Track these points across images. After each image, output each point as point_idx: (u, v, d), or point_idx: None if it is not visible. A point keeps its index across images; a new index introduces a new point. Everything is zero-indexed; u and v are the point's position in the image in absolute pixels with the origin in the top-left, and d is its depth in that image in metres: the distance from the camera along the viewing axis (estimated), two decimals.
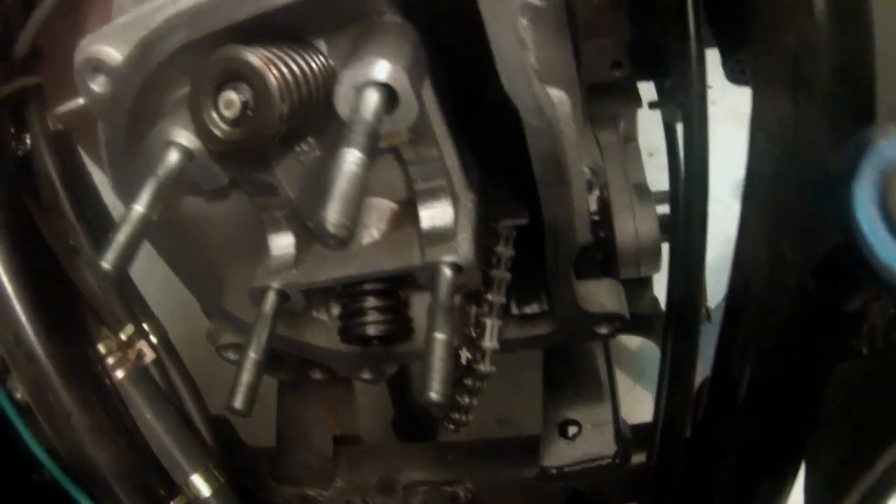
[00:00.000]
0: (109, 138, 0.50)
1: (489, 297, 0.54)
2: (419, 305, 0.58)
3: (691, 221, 0.59)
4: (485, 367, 0.55)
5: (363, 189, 0.37)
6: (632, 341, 1.21)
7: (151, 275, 0.79)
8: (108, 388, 0.69)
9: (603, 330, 0.58)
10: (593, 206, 0.71)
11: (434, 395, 0.43)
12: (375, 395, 1.07)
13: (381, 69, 0.41)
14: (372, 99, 0.41)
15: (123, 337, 0.72)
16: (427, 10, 0.45)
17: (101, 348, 0.71)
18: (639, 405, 0.82)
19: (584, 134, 0.61)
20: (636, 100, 0.78)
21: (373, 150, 0.39)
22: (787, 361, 0.52)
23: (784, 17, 0.48)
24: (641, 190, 0.76)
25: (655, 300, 0.94)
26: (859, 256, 0.37)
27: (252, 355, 0.51)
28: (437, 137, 0.49)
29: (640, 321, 0.93)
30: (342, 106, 0.42)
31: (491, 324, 0.54)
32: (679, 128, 0.88)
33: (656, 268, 0.74)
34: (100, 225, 0.75)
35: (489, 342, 0.54)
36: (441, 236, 0.50)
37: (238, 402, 0.49)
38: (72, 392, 0.65)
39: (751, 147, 0.53)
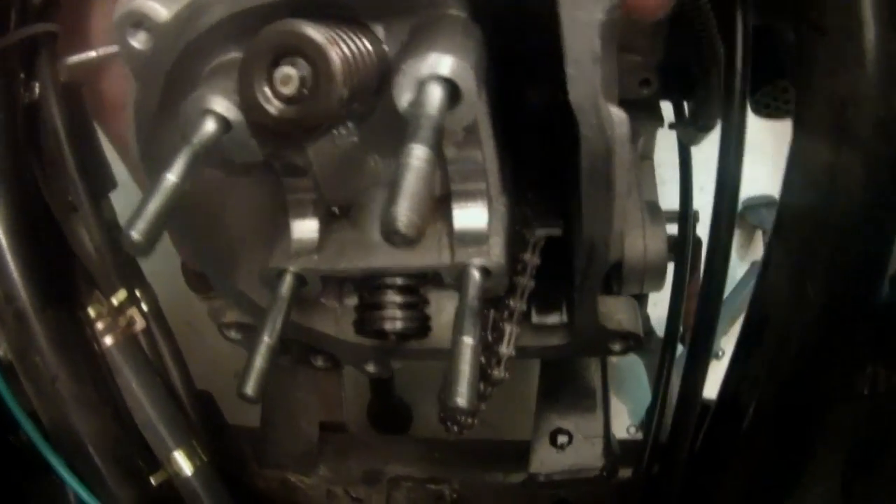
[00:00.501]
0: (142, 100, 0.48)
1: (511, 302, 0.54)
2: (436, 304, 0.57)
3: (718, 246, 0.59)
4: (499, 372, 0.54)
5: (431, 187, 0.36)
6: None
7: None
8: (95, 355, 0.67)
9: (617, 347, 0.58)
10: None
11: (461, 401, 0.42)
12: (353, 383, 1.06)
13: (449, 64, 0.40)
14: (436, 94, 0.40)
15: (115, 302, 0.69)
16: (494, 10, 0.45)
17: (91, 311, 0.68)
18: (615, 418, 0.83)
19: None
20: (659, 118, 0.78)
21: (438, 146, 0.38)
22: (794, 397, 0.53)
23: (836, 66, 0.48)
24: (653, 208, 0.76)
25: (647, 317, 0.95)
26: None
27: (266, 339, 0.50)
28: (483, 140, 0.48)
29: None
30: (402, 97, 0.41)
31: (510, 330, 0.54)
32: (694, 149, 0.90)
33: (660, 286, 0.74)
34: (101, 185, 0.73)
35: (506, 348, 0.54)
36: (473, 238, 0.50)
37: (250, 389, 0.48)
38: (59, 356, 0.63)
39: (786, 183, 0.54)
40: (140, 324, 0.70)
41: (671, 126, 0.81)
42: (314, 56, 0.40)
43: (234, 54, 0.47)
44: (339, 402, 0.78)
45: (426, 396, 1.07)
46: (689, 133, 0.83)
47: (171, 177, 0.41)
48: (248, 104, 0.42)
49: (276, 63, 0.41)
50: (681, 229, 0.80)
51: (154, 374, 0.69)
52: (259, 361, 0.49)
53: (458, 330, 0.45)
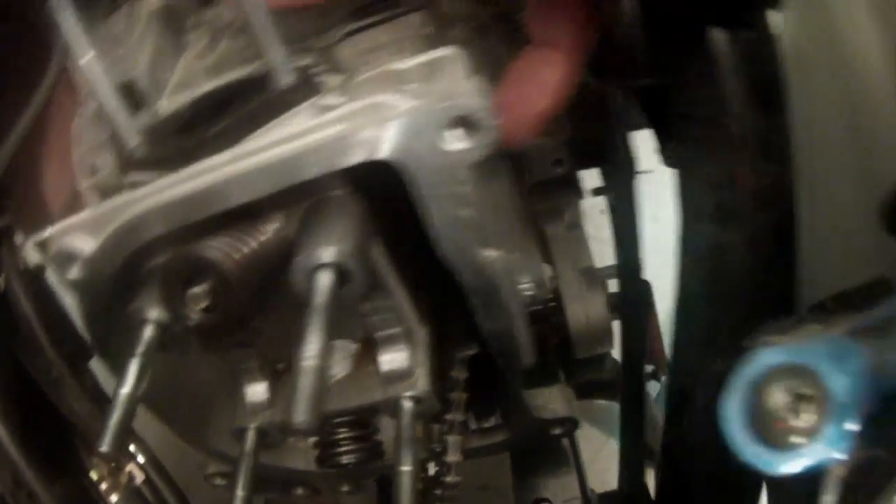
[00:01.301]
0: (89, 316, 0.54)
1: (449, 416, 0.59)
2: (388, 423, 0.63)
3: (629, 298, 0.64)
4: (451, 478, 0.60)
5: (325, 379, 0.42)
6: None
7: None
8: None
9: (557, 431, 0.63)
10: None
11: None
12: None
13: (331, 253, 0.46)
14: (325, 281, 0.46)
15: (112, 462, 0.76)
16: (371, 186, 0.51)
17: (94, 475, 0.75)
18: (613, 461, 0.87)
19: (528, 248, 0.67)
20: (577, 192, 0.84)
21: (329, 332, 0.44)
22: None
23: (707, 148, 0.53)
24: (589, 274, 0.81)
25: (616, 364, 1.00)
26: None
27: (240, 493, 0.56)
28: (392, 289, 0.54)
29: (604, 385, 0.99)
30: (298, 287, 0.48)
31: (453, 440, 0.59)
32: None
33: (609, 346, 0.80)
34: (78, 356, 0.79)
35: (452, 457, 0.59)
36: (400, 375, 0.56)
37: None
38: None
39: (680, 264, 0.59)
40: (140, 476, 0.77)
41: (594, 192, 0.87)
42: (212, 272, 0.47)
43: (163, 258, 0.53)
44: None
45: None
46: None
47: (126, 390, 0.48)
48: (177, 320, 0.49)
49: (187, 284, 0.48)
50: (621, 286, 0.86)
51: None
52: None
53: (396, 460, 0.51)
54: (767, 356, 0.39)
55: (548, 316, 0.80)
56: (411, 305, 0.56)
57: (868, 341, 0.40)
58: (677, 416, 0.59)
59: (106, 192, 0.60)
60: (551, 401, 0.62)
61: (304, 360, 0.42)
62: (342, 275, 0.47)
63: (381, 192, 0.52)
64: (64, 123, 0.69)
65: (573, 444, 0.77)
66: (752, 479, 0.57)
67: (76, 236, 0.51)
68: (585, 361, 0.79)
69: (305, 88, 0.52)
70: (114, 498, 0.74)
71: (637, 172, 0.74)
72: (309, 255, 0.46)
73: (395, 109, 0.42)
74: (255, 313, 0.50)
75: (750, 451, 0.39)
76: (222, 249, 0.47)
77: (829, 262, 0.53)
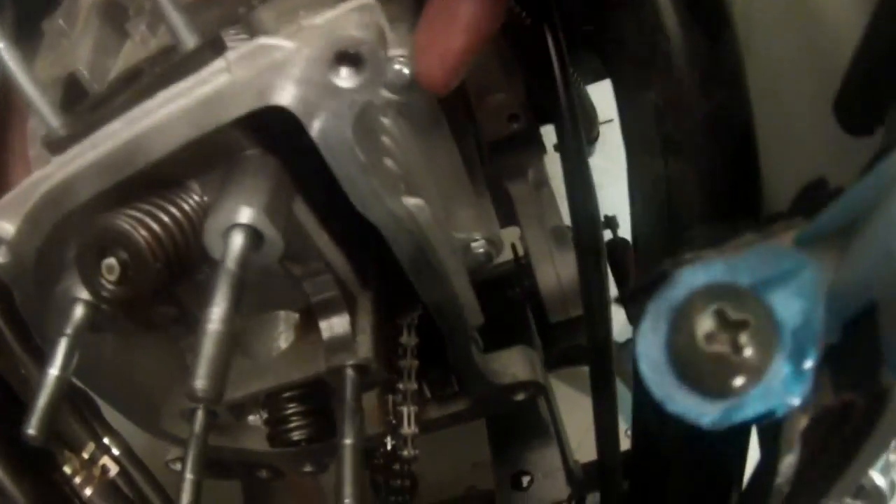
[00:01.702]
0: (21, 301, 0.53)
1: (401, 386, 0.57)
2: None
3: (587, 255, 0.60)
4: (409, 451, 0.57)
5: (230, 345, 0.39)
6: None
7: None
8: None
9: (520, 397, 0.60)
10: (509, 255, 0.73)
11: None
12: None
13: (240, 213, 0.44)
14: (237, 243, 0.44)
15: (86, 455, 0.75)
16: (280, 144, 0.48)
17: (67, 469, 0.74)
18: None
19: (479, 205, 0.64)
20: (539, 147, 0.81)
21: (238, 299, 0.41)
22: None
23: (643, 74, 0.49)
24: (559, 233, 0.78)
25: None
26: None
27: (189, 476, 0.54)
28: (323, 250, 0.52)
29: (584, 351, 0.95)
30: (213, 251, 0.45)
31: (407, 411, 0.57)
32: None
33: None
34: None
35: (408, 429, 0.57)
36: (342, 343, 0.53)
37: None
38: None
39: (630, 202, 0.55)
40: (114, 469, 0.76)
41: (556, 148, 0.83)
42: (124, 243, 0.45)
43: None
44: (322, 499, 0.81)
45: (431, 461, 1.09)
46: None
47: (54, 371, 0.47)
48: (93, 293, 0.47)
49: (101, 255, 0.46)
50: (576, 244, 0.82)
51: None
52: (186, 499, 0.53)
53: (340, 434, 0.49)
54: (692, 275, 0.32)
55: (518, 278, 0.77)
56: (347, 267, 0.54)
57: (821, 253, 0.32)
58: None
59: None
60: (510, 364, 0.59)
61: (208, 324, 0.39)
62: (256, 236, 0.45)
63: (300, 148, 0.50)
64: (23, 124, 0.69)
65: (552, 413, 0.74)
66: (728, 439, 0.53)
67: None
68: (563, 326, 0.76)
69: (213, 49, 0.50)
70: (88, 492, 0.73)
71: (586, 123, 0.71)
72: (217, 217, 0.44)
73: (281, 50, 0.40)
74: (174, 283, 0.48)
75: (677, 398, 0.31)
76: (132, 219, 0.45)
77: (790, 180, 0.49)
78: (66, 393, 0.48)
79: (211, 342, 0.39)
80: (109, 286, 0.46)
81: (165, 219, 0.47)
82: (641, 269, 0.56)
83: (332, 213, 0.54)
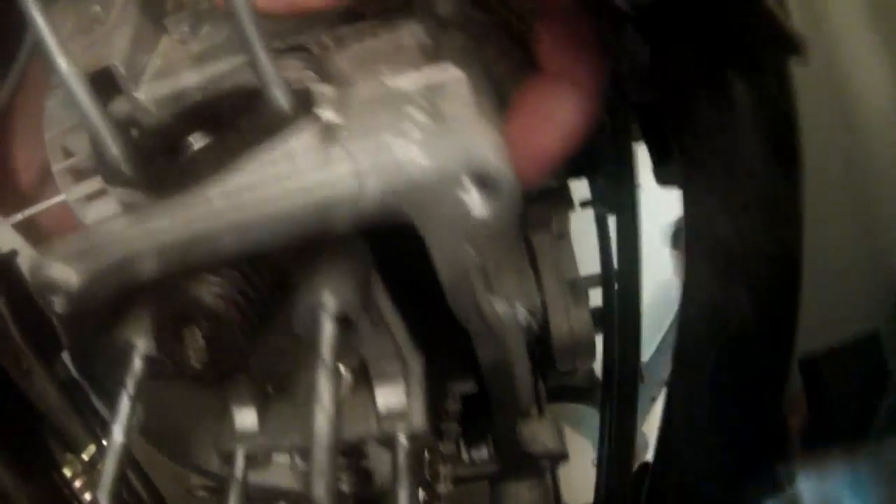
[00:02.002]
0: (73, 343, 0.52)
1: (440, 447, 0.59)
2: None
3: (626, 309, 0.64)
4: None
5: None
6: None
7: None
8: None
9: (545, 464, 0.64)
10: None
11: None
12: None
13: (333, 301, 0.45)
14: (328, 327, 0.45)
15: (86, 457, 0.74)
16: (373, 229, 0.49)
17: (67, 471, 0.73)
18: (579, 454, 0.89)
19: (522, 272, 0.66)
20: (569, 202, 0.82)
21: (338, 371, 0.43)
22: None
23: (718, 197, 0.51)
24: (575, 286, 0.81)
25: (592, 372, 1.02)
26: None
27: None
28: (390, 325, 0.53)
29: (579, 390, 1.01)
30: (301, 331, 0.46)
31: (444, 472, 0.60)
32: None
33: (591, 360, 0.80)
34: (50, 347, 0.76)
35: (443, 487, 0.60)
36: (396, 411, 0.55)
37: None
38: None
39: (680, 309, 0.57)
40: None
41: (582, 205, 0.86)
42: (209, 316, 0.45)
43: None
44: None
45: None
46: (602, 206, 0.88)
47: (120, 437, 0.46)
48: (168, 359, 0.47)
49: (182, 325, 0.46)
50: (605, 299, 0.86)
51: None
52: None
53: (392, 496, 0.51)
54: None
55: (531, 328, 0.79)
56: (407, 339, 0.55)
57: None
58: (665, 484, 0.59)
59: (79, 176, 0.57)
60: (540, 433, 0.62)
61: (316, 427, 0.41)
62: (346, 321, 0.46)
63: (382, 228, 0.50)
64: (36, 100, 0.65)
65: (553, 473, 0.77)
66: None
67: (60, 268, 0.48)
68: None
69: (300, 105, 0.49)
70: (88, 496, 0.73)
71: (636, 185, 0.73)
72: (312, 302, 0.45)
73: (406, 156, 0.40)
74: (252, 350, 0.48)
75: None
76: (218, 292, 0.45)
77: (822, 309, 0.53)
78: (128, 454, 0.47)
79: (321, 449, 0.40)
80: (193, 355, 0.46)
81: (250, 287, 0.47)
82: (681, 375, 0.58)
83: (398, 285, 0.54)
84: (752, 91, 0.44)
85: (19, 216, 0.73)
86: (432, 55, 0.56)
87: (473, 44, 0.60)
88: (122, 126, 0.57)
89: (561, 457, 0.63)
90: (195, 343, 0.46)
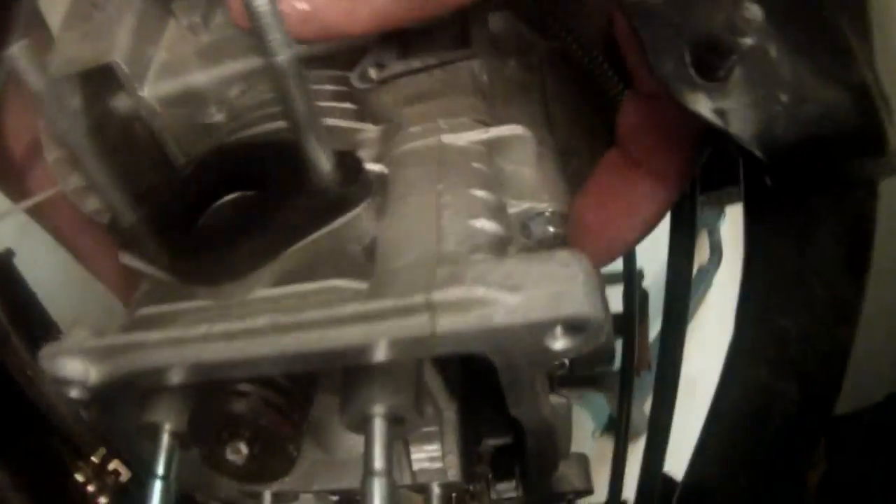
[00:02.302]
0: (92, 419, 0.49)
1: (471, 488, 0.60)
2: None
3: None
4: None
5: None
6: None
7: None
8: None
9: (571, 498, 0.65)
10: None
11: None
12: None
13: (386, 406, 0.43)
14: (380, 429, 0.43)
15: (96, 460, 0.73)
16: None
17: (79, 478, 0.72)
18: (579, 427, 0.92)
19: None
20: None
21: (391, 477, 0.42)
22: None
23: (779, 302, 0.49)
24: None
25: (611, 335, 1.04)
26: None
27: None
28: (438, 401, 0.51)
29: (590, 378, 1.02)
30: (350, 427, 0.44)
31: None
32: None
33: (610, 365, 0.81)
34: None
35: None
36: (430, 464, 0.54)
37: None
38: None
39: (720, 387, 0.56)
40: (125, 473, 0.74)
41: None
42: (252, 427, 0.42)
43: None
44: None
45: None
46: None
47: None
48: (218, 470, 0.45)
49: (224, 434, 0.43)
50: (626, 293, 0.84)
51: None
52: None
53: None
54: None
55: None
56: (443, 387, 0.54)
57: None
58: None
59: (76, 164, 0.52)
60: (570, 472, 0.63)
61: None
62: (398, 419, 0.44)
63: None
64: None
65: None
66: None
67: (75, 363, 0.43)
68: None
69: (355, 189, 0.44)
70: (103, 500, 0.73)
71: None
72: (364, 405, 0.43)
73: (496, 307, 0.36)
74: (300, 453, 0.46)
75: None
76: (259, 402, 0.42)
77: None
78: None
79: None
80: (239, 463, 0.44)
81: (287, 390, 0.44)
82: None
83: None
84: (838, 204, 0.41)
85: (14, 211, 0.66)
86: (488, 93, 0.51)
87: (530, 77, 0.54)
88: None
89: (587, 493, 0.64)
90: (238, 451, 0.43)
